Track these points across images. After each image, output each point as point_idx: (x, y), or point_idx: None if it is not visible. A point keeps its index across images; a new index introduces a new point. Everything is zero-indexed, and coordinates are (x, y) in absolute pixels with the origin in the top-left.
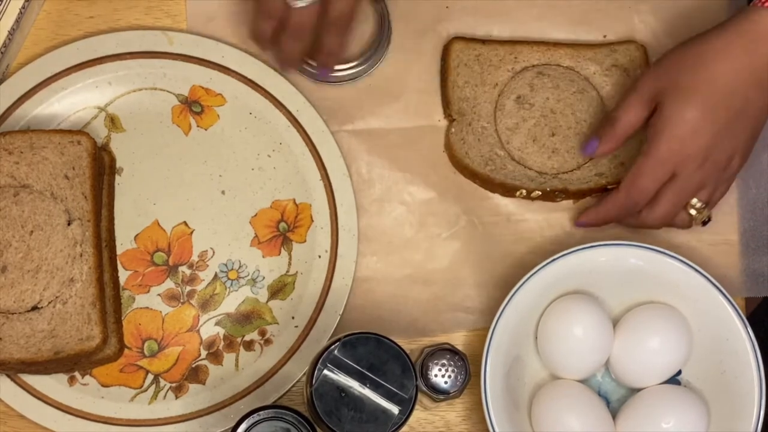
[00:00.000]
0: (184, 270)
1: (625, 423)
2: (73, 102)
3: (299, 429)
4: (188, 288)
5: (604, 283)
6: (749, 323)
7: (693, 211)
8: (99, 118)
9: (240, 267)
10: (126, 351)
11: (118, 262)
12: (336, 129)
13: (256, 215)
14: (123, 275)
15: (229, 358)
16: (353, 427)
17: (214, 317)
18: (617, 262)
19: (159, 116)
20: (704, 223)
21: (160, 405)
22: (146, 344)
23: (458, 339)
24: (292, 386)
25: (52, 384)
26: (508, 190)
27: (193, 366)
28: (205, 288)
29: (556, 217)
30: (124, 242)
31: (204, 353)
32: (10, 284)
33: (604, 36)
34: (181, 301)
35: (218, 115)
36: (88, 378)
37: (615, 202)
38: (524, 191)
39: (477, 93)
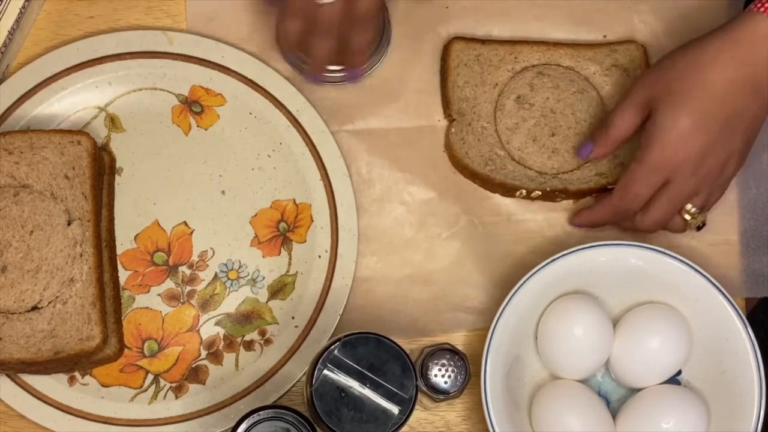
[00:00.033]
0: (184, 270)
1: (625, 423)
2: (73, 102)
3: (299, 429)
4: (188, 288)
5: (604, 283)
6: (749, 323)
7: (687, 216)
8: (99, 118)
9: (240, 267)
10: (126, 351)
11: (118, 262)
12: (336, 129)
13: (256, 215)
14: (123, 275)
15: (229, 358)
16: (353, 427)
17: (214, 317)
18: (617, 262)
19: (159, 116)
20: (699, 228)
21: (160, 405)
22: (146, 344)
23: (458, 339)
24: (292, 386)
25: (52, 384)
26: (508, 190)
27: (193, 366)
28: (205, 288)
29: (556, 217)
30: (124, 242)
31: (204, 353)
32: (10, 284)
33: (604, 36)
34: (181, 301)
35: (218, 115)
36: (88, 378)
37: (608, 206)
38: (524, 191)
39: (477, 93)
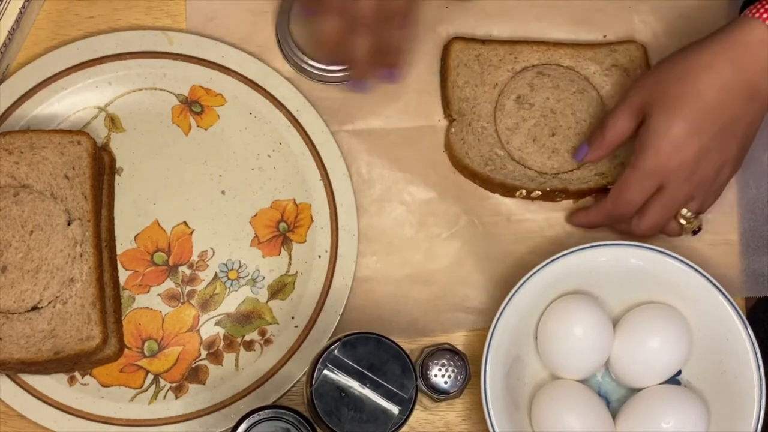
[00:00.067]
0: (184, 270)
1: (625, 423)
2: (73, 102)
3: (299, 429)
4: (188, 288)
5: (604, 283)
6: (749, 323)
7: (683, 221)
8: (99, 118)
9: (240, 267)
10: (126, 351)
11: (118, 262)
12: (336, 129)
13: (256, 215)
14: (123, 275)
15: (229, 358)
16: (353, 427)
17: (214, 317)
18: (617, 262)
19: (159, 116)
20: (694, 233)
21: (160, 405)
22: (146, 344)
23: (458, 339)
24: (292, 386)
25: (52, 384)
26: (508, 190)
27: (193, 366)
28: (205, 288)
29: (556, 217)
30: (124, 242)
31: (204, 353)
32: (10, 284)
33: (604, 36)
34: (181, 301)
35: (218, 115)
36: (88, 378)
37: (603, 210)
38: (524, 191)
39: (477, 93)
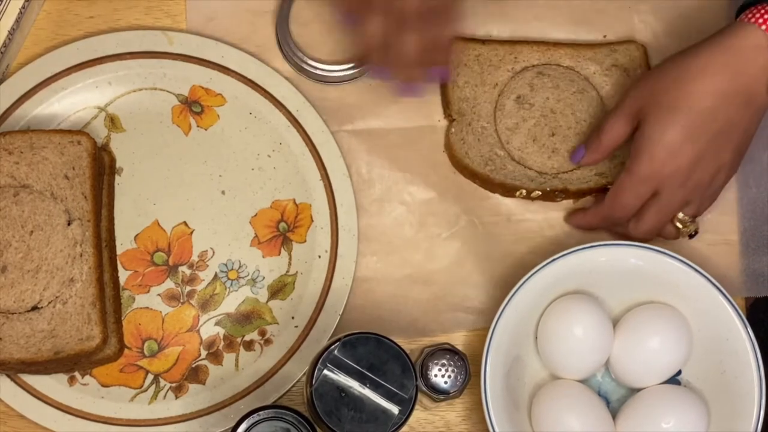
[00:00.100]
0: (184, 270)
1: (625, 423)
2: (73, 102)
3: (299, 429)
4: (188, 288)
5: (604, 283)
6: (749, 323)
7: (679, 225)
8: (99, 118)
9: (240, 267)
10: (126, 351)
11: (118, 262)
12: (336, 129)
13: (256, 215)
14: (123, 275)
15: (229, 358)
16: (353, 427)
17: (214, 317)
18: (617, 262)
19: (159, 116)
20: (691, 236)
21: (160, 405)
22: (146, 344)
23: (458, 339)
24: (292, 386)
25: (52, 384)
26: (508, 190)
27: (193, 366)
28: (205, 288)
29: (556, 217)
30: (124, 242)
31: (204, 353)
32: (10, 284)
33: (604, 36)
34: (181, 301)
35: (218, 115)
36: (88, 378)
37: (600, 214)
38: (524, 191)
39: (477, 93)
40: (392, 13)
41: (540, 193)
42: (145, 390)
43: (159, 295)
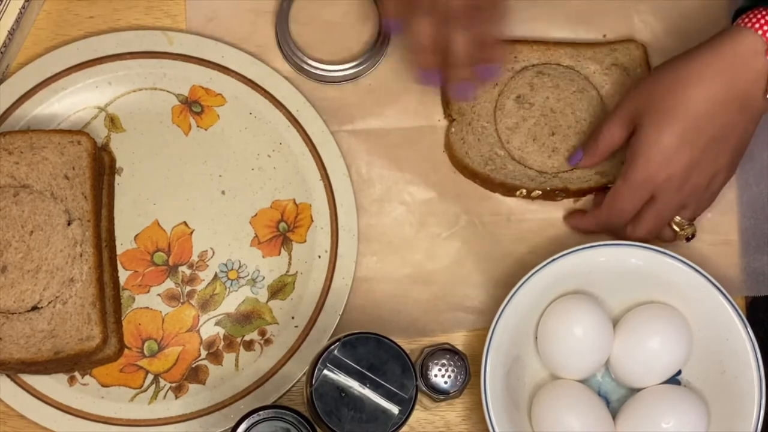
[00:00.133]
0: (184, 270)
1: (625, 423)
2: (73, 102)
3: (299, 429)
4: (188, 288)
5: (604, 283)
6: (749, 323)
7: (676, 228)
8: (99, 118)
9: (240, 267)
10: (126, 351)
11: (118, 262)
12: (336, 129)
13: (256, 215)
14: (123, 275)
15: (229, 358)
16: (353, 427)
17: (214, 317)
18: (617, 262)
19: (159, 116)
20: (688, 239)
21: (160, 405)
22: (146, 344)
23: (458, 339)
24: (292, 386)
25: (52, 384)
26: (508, 190)
27: (193, 366)
28: (205, 288)
29: (556, 217)
30: (124, 242)
31: (204, 353)
32: (10, 284)
33: (604, 35)
34: (181, 301)
35: (218, 115)
36: (88, 378)
37: (597, 218)
38: (524, 191)
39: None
40: (437, 14)
41: (540, 192)
42: (145, 390)
43: (159, 295)
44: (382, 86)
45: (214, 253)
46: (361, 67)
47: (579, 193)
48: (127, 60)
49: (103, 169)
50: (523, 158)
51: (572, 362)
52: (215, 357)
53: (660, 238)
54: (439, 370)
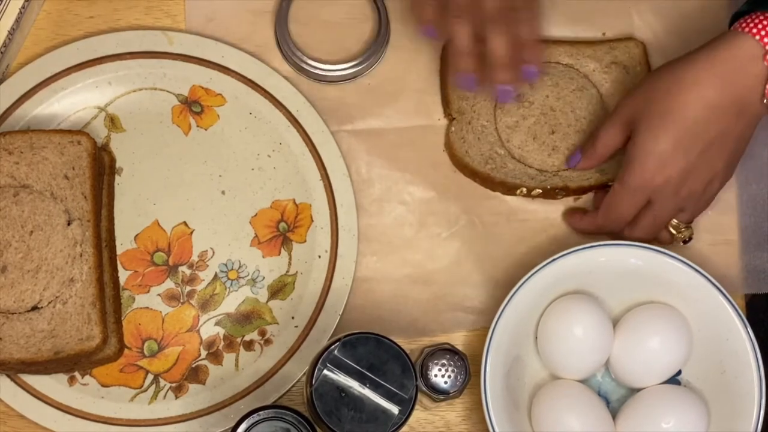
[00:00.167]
0: (184, 270)
1: (625, 423)
2: (73, 102)
3: (299, 429)
4: (188, 288)
5: (604, 283)
6: (749, 323)
7: (673, 231)
8: (99, 118)
9: (240, 267)
10: (126, 351)
11: (118, 262)
12: (335, 129)
13: (256, 215)
14: (123, 275)
15: (229, 358)
16: (353, 427)
17: (214, 317)
18: (617, 262)
19: (159, 116)
20: (685, 242)
21: (160, 405)
22: (146, 344)
23: (458, 339)
24: (292, 386)
25: (52, 384)
26: (508, 189)
27: (193, 366)
28: (205, 288)
29: (557, 217)
30: (124, 242)
31: (204, 353)
32: (10, 284)
33: (603, 33)
34: (181, 301)
35: (218, 115)
36: (88, 378)
37: (595, 221)
38: (525, 189)
39: (476, 91)
40: (473, 17)
41: (540, 191)
42: (145, 390)
43: (159, 295)
44: (382, 86)
45: (214, 253)
46: (360, 67)
47: (579, 191)
48: (127, 60)
49: (103, 169)
50: (523, 157)
51: (572, 362)
52: (215, 357)
53: (657, 240)
54: (439, 370)
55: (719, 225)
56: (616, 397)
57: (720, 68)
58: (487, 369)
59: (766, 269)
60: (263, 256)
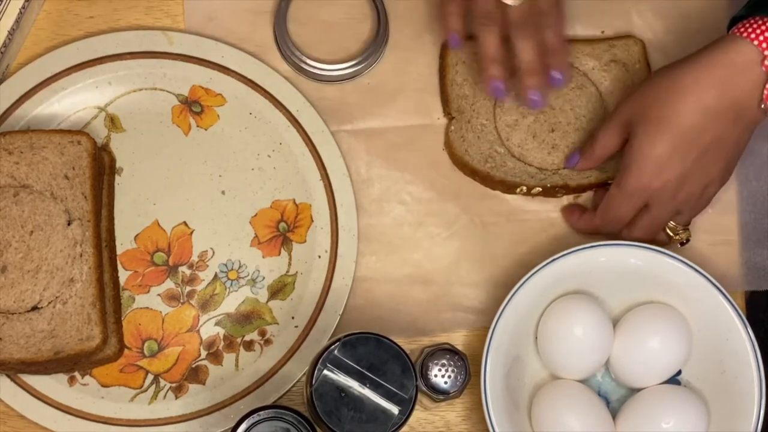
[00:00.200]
0: (184, 270)
1: (625, 423)
2: (73, 102)
3: (299, 429)
4: (188, 288)
5: (604, 283)
6: (749, 323)
7: (671, 233)
8: (99, 118)
9: (240, 267)
10: (126, 351)
11: (118, 262)
12: (335, 129)
13: (256, 215)
14: (123, 275)
15: (229, 358)
16: (353, 427)
17: (214, 317)
18: (617, 262)
19: (159, 116)
20: (682, 244)
21: (160, 405)
22: (146, 344)
23: (458, 339)
24: (292, 386)
25: (52, 384)
26: (508, 187)
27: (193, 366)
28: (205, 288)
29: (557, 216)
30: (124, 242)
31: (204, 353)
32: (10, 284)
33: (602, 31)
34: (181, 301)
35: (218, 115)
36: (88, 378)
37: (592, 222)
38: (524, 188)
39: (476, 90)
40: (500, 24)
41: (540, 189)
42: (145, 390)
43: (159, 295)
44: (381, 85)
45: (214, 253)
46: (359, 66)
47: (579, 190)
48: (127, 60)
49: (103, 169)
50: (523, 155)
51: (572, 362)
52: (215, 357)
53: (655, 242)
54: (439, 370)
55: (719, 225)
56: (616, 397)
57: (717, 73)
58: (487, 369)
59: (766, 266)
60: (263, 256)
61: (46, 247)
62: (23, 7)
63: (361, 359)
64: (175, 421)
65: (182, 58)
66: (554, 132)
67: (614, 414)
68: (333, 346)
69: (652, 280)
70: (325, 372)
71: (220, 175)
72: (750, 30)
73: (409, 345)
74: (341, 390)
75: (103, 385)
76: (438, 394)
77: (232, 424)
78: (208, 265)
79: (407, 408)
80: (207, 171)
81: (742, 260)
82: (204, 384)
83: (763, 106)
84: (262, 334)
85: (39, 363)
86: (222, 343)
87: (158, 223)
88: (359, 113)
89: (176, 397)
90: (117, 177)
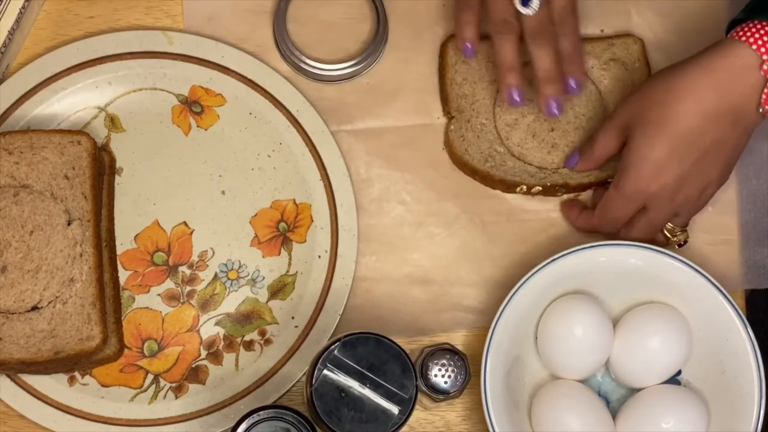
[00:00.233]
0: (184, 270)
1: (625, 423)
2: (73, 102)
3: (299, 429)
4: (188, 288)
5: (604, 283)
6: (749, 323)
7: (668, 234)
8: (99, 118)
9: (240, 267)
10: (126, 351)
11: (118, 262)
12: (335, 129)
13: (256, 215)
14: (123, 275)
15: (229, 358)
16: (353, 427)
17: (214, 317)
18: (617, 262)
19: (159, 116)
20: (680, 245)
21: (160, 405)
22: (146, 344)
23: (458, 339)
24: (292, 386)
25: (52, 384)
26: (508, 187)
27: (193, 366)
28: (205, 288)
29: (557, 216)
30: (124, 242)
31: (204, 353)
32: (10, 284)
33: (602, 30)
34: (181, 301)
35: (218, 115)
36: (88, 378)
37: (590, 221)
38: (524, 187)
39: (475, 90)
40: (516, 33)
41: (540, 188)
42: (145, 390)
43: (159, 295)
44: (381, 85)
45: (214, 253)
46: (358, 66)
47: (579, 188)
48: (127, 60)
49: (103, 169)
50: (523, 154)
51: (572, 362)
52: (215, 357)
53: (653, 243)
54: (439, 370)
55: (719, 224)
56: (616, 397)
57: (716, 77)
58: (487, 369)
59: (766, 265)
60: (263, 256)
61: (46, 247)
62: (23, 7)
63: (361, 359)
64: (175, 421)
65: (182, 58)
66: (554, 131)
67: (614, 414)
68: (333, 346)
69: (652, 280)
70: (325, 372)
71: (220, 175)
72: (749, 34)
73: (409, 345)
74: (341, 390)
75: (103, 385)
76: (438, 394)
77: (232, 424)
78: (208, 265)
79: (407, 408)
80: (207, 171)
81: (742, 259)
82: (204, 384)
83: (761, 109)
84: (262, 334)
85: (39, 363)
86: (222, 343)
87: (158, 223)
88: (359, 113)
89: (176, 397)
90: (117, 177)
